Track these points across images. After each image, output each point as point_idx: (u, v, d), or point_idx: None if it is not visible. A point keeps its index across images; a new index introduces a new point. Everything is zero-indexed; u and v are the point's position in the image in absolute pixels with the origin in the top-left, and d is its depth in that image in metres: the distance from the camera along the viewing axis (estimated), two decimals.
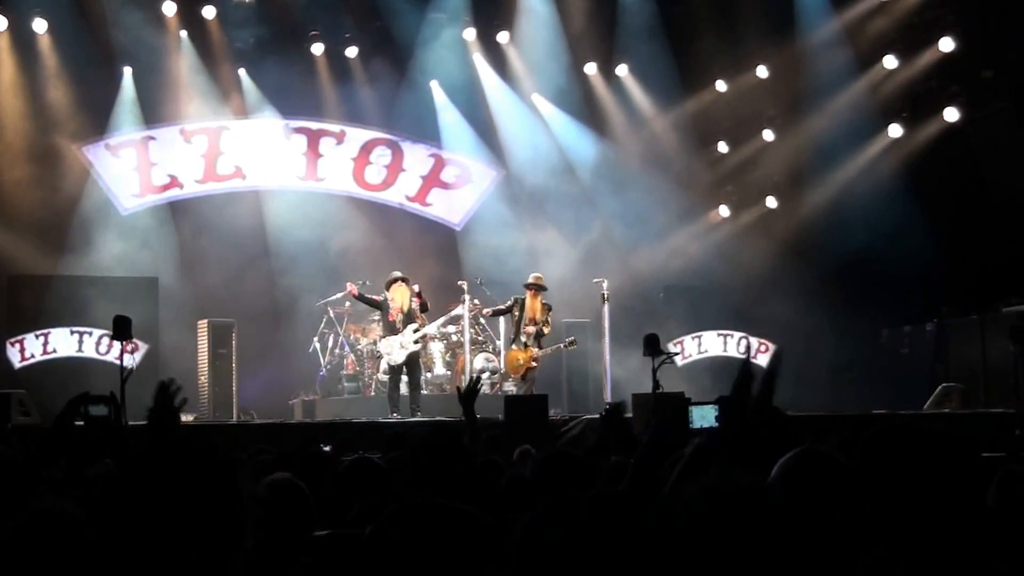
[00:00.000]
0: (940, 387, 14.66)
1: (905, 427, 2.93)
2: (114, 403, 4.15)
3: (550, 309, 14.63)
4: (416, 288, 14.55)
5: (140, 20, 15.92)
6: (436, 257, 17.35)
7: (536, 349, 14.44)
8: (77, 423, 4.00)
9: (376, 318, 15.14)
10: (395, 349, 14.20)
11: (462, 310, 14.88)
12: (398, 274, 14.48)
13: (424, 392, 15.22)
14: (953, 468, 2.77)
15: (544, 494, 3.77)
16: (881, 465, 2.84)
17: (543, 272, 14.99)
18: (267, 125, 17.36)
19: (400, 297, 14.32)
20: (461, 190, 18.33)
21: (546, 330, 14.53)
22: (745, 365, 3.28)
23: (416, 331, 14.31)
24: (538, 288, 14.48)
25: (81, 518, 2.84)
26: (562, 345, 14.62)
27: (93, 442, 3.92)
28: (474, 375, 14.40)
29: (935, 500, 2.73)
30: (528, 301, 14.47)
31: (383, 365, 14.73)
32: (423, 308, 14.55)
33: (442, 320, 15.02)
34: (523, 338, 14.42)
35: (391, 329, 14.30)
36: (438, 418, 13.15)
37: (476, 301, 15.39)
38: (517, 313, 14.52)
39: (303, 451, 5.49)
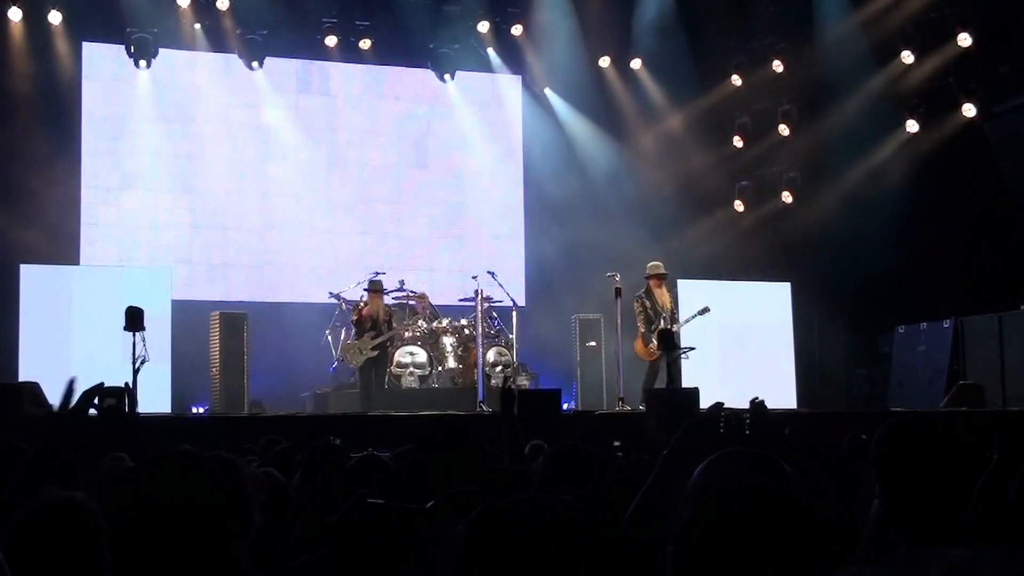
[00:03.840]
0: (957, 385, 14.57)
1: (916, 423, 2.93)
2: (127, 394, 4.13)
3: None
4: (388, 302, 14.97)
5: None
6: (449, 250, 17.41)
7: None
8: (91, 414, 4.02)
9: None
10: (353, 353, 14.48)
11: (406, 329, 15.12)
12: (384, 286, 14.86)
13: (435, 386, 15.23)
14: (963, 462, 2.77)
15: (553, 489, 3.74)
16: (896, 459, 2.84)
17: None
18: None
19: (375, 305, 14.59)
20: None
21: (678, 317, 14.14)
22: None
23: (375, 338, 14.48)
24: (661, 277, 14.21)
25: (92, 507, 2.83)
26: (698, 313, 14.23)
27: (105, 433, 3.92)
28: (503, 375, 14.49)
29: (949, 493, 2.72)
30: (655, 291, 14.20)
31: (397, 358, 14.90)
32: (388, 325, 14.74)
33: (389, 335, 14.93)
34: (653, 326, 13.86)
35: (359, 332, 14.58)
36: (449, 412, 13.13)
37: (487, 294, 15.36)
38: (646, 304, 14.06)
39: (313, 442, 5.39)
